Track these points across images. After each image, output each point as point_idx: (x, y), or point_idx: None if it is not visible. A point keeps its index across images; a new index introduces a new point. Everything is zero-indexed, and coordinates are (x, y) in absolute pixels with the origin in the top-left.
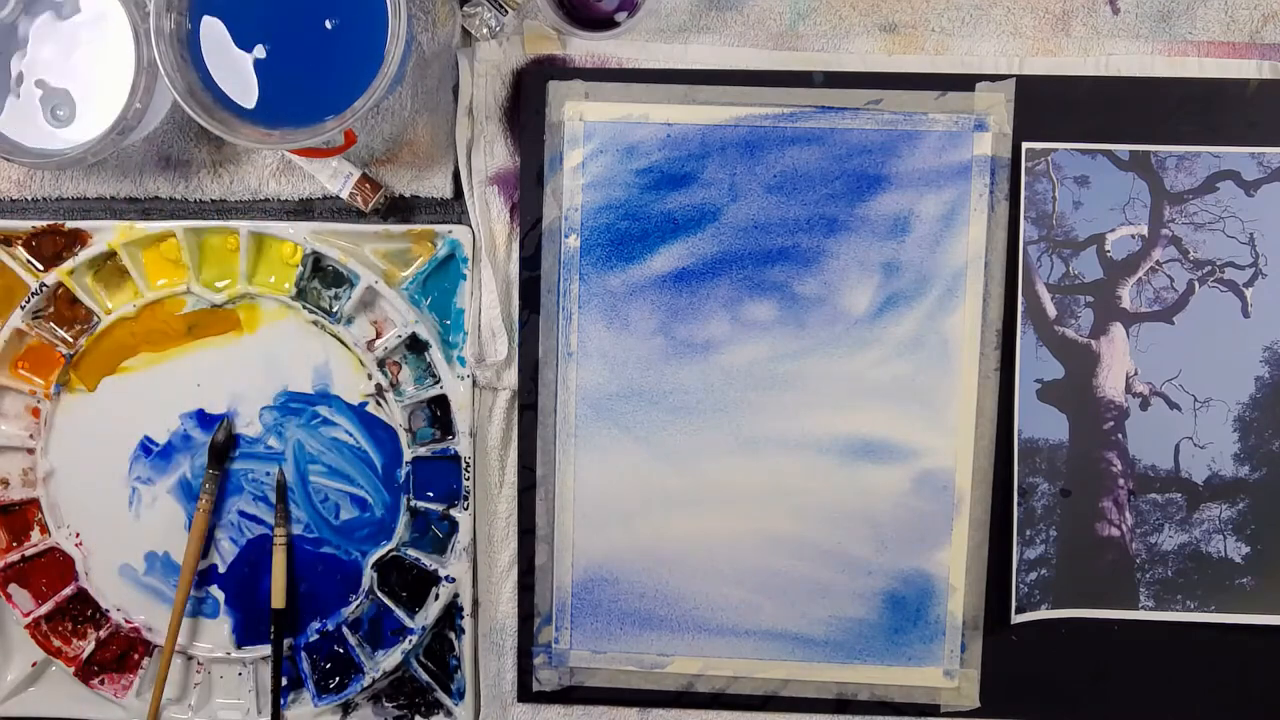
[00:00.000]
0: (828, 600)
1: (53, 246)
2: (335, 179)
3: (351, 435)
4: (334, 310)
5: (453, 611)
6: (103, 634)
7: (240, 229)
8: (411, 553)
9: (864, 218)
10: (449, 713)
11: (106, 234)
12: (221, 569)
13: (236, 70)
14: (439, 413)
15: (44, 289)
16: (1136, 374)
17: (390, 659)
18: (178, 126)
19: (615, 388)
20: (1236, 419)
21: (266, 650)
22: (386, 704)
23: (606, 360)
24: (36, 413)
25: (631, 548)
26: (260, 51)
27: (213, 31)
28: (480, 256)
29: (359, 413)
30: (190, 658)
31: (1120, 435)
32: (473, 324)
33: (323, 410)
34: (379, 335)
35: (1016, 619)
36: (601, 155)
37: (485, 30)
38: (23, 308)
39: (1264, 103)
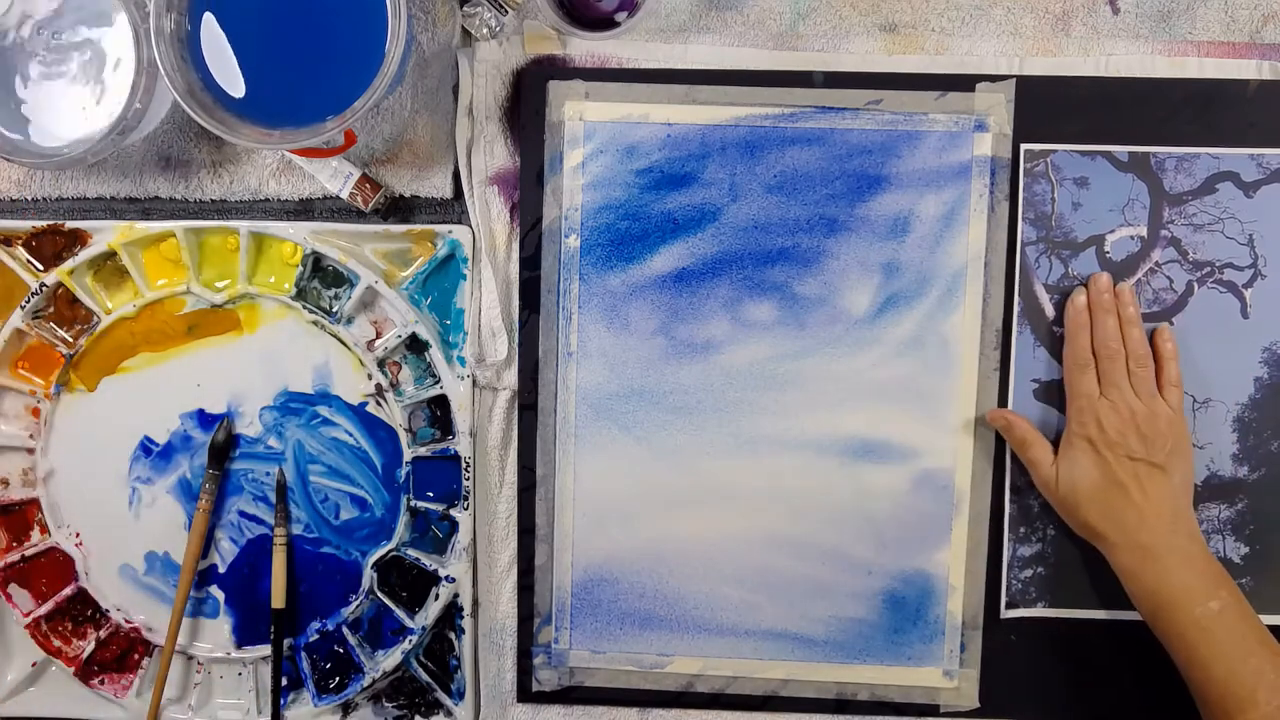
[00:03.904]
0: (827, 600)
1: (53, 246)
2: (335, 179)
3: (351, 435)
4: (334, 310)
5: (453, 611)
6: (103, 634)
7: (240, 229)
8: (411, 553)
9: (864, 218)
10: (449, 713)
11: (106, 234)
12: (221, 569)
13: (236, 70)
14: (439, 413)
15: (44, 289)
16: None
17: (390, 659)
18: (178, 126)
19: (615, 388)
20: (1236, 419)
21: (266, 650)
22: (386, 704)
23: (606, 360)
24: (36, 413)
25: (631, 548)
26: (260, 51)
27: (213, 31)
28: (480, 256)
29: (359, 413)
30: (190, 658)
31: None
32: (473, 324)
33: (323, 410)
34: (379, 335)
35: (1006, 614)
36: (602, 155)
37: (485, 30)
38: (23, 308)
39: (1264, 103)
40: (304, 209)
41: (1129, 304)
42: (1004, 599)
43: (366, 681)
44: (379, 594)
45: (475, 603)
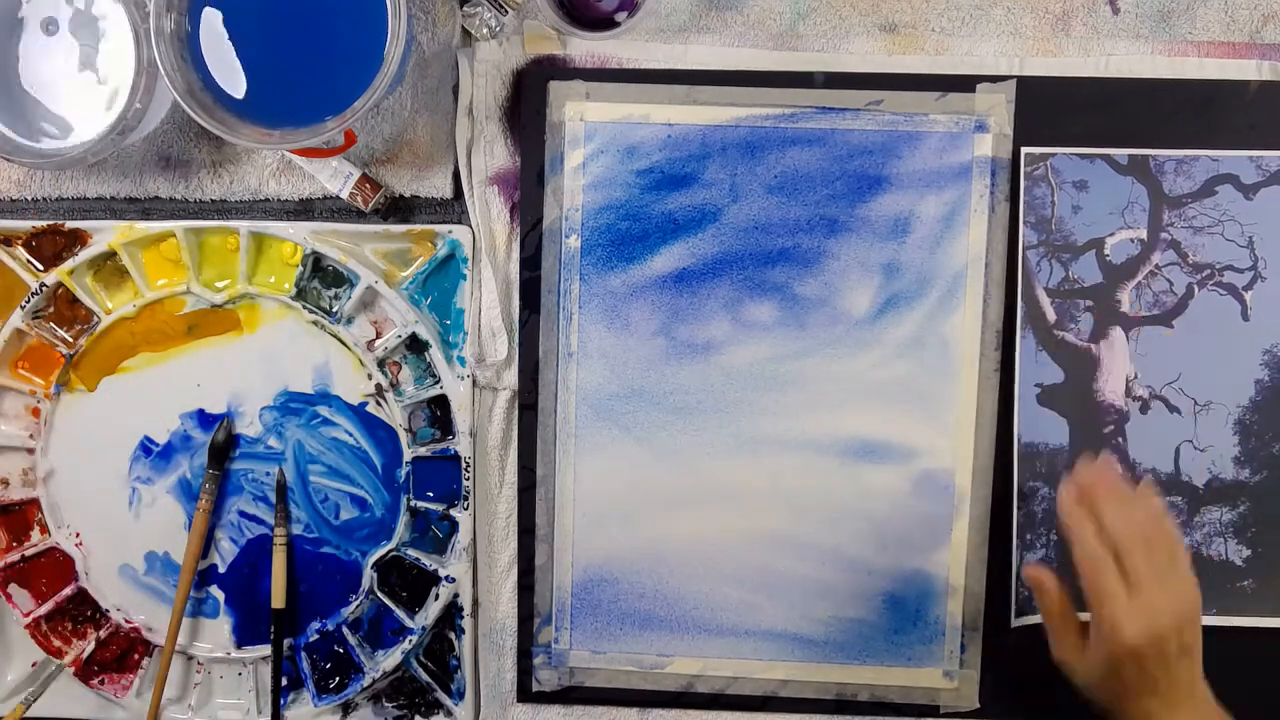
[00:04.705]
0: (827, 600)
1: (53, 246)
2: (335, 179)
3: (351, 435)
4: (334, 310)
5: (453, 611)
6: (103, 634)
7: (240, 229)
8: (411, 553)
9: (864, 219)
10: (449, 713)
11: (106, 234)
12: (221, 569)
13: (236, 69)
14: (439, 413)
15: (44, 289)
16: (1136, 378)
17: (390, 659)
18: (178, 126)
19: (615, 388)
20: (1236, 422)
21: (266, 650)
22: (386, 704)
23: (607, 360)
24: (36, 413)
25: (631, 548)
26: (260, 51)
27: (213, 31)
28: (480, 256)
29: (359, 413)
30: (190, 658)
31: (1120, 439)
32: (473, 324)
33: (323, 410)
34: (379, 335)
35: (1017, 622)
36: (602, 155)
37: (485, 30)
38: (23, 308)
39: (1264, 105)
40: (304, 209)
41: (1118, 479)
42: (1013, 608)
43: (366, 681)
44: (379, 594)
45: (475, 603)
